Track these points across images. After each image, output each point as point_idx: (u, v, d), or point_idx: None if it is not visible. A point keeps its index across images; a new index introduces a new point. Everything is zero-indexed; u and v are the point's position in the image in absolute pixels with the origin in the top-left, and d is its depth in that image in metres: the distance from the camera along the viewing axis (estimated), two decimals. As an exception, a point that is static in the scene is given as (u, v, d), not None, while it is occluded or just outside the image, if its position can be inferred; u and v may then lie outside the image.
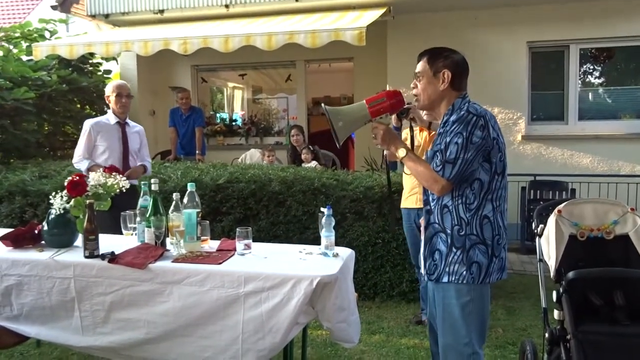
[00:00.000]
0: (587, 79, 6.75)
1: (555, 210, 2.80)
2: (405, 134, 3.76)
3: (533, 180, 5.96)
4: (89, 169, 3.85)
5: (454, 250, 2.21)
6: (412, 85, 2.33)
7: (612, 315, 2.58)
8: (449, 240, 2.22)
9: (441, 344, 2.31)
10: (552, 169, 6.28)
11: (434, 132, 3.63)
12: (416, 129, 3.71)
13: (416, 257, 3.83)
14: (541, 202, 5.19)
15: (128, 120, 4.23)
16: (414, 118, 3.59)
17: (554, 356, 2.69)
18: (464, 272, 2.20)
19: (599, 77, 6.77)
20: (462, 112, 2.16)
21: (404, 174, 3.78)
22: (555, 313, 2.65)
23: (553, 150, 6.50)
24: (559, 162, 6.46)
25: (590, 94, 6.73)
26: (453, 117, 2.19)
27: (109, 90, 4.12)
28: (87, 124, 4.09)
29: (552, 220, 2.80)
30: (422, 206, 3.68)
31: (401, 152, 2.25)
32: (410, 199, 3.79)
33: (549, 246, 2.79)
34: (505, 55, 6.49)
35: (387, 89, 2.26)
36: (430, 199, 2.31)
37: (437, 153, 2.19)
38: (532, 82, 6.64)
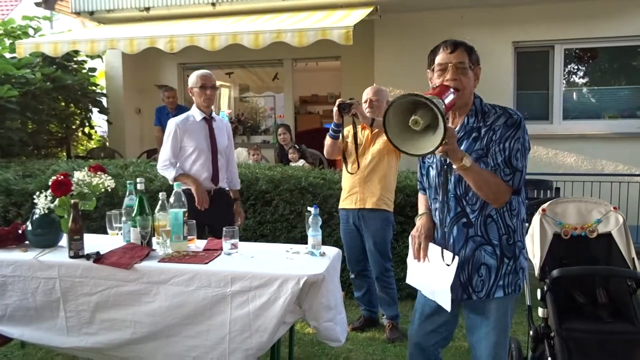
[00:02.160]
0: (572, 79, 6.82)
1: (540, 209, 2.83)
2: (347, 131, 3.67)
3: (518, 179, 6.01)
4: (176, 179, 3.45)
5: (506, 261, 2.08)
6: (451, 77, 2.02)
7: (595, 312, 2.62)
8: (499, 252, 2.08)
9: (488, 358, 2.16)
10: (537, 168, 6.33)
11: (376, 130, 3.54)
12: (358, 127, 3.63)
13: (353, 262, 3.81)
14: (526, 201, 5.23)
15: (214, 115, 3.78)
16: (357, 114, 3.48)
17: (538, 353, 2.72)
18: (518, 281, 2.12)
19: (583, 77, 6.85)
20: (516, 116, 2.02)
21: (345, 172, 3.70)
22: (540, 311, 2.68)
23: (538, 149, 6.56)
24: (543, 161, 6.52)
25: (574, 93, 6.81)
26: (502, 120, 2.02)
27: (192, 82, 3.64)
28: (172, 123, 3.63)
29: (536, 219, 2.83)
30: (362, 207, 3.64)
31: (467, 161, 1.90)
32: (348, 199, 3.69)
33: (533, 245, 2.82)
34: (490, 54, 6.51)
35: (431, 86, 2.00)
36: (470, 210, 2.08)
37: (500, 162, 2.00)
38: (517, 81, 6.70)
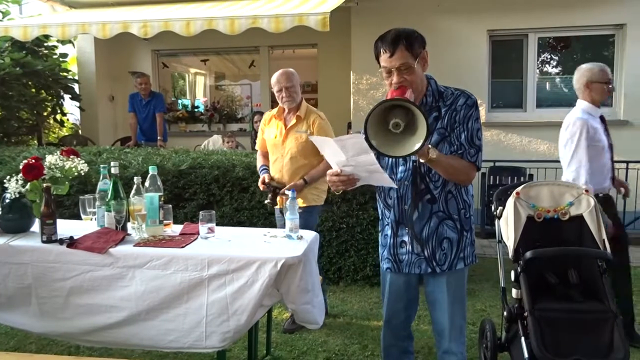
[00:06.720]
0: (545, 68, 6.92)
1: (514, 193, 2.87)
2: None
3: (493, 166, 6.10)
4: None
5: (465, 234, 2.22)
6: (397, 80, 2.03)
7: (567, 292, 2.68)
8: (459, 225, 2.20)
9: (449, 328, 2.26)
10: (511, 155, 6.43)
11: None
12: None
13: None
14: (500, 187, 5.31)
15: None
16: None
17: (511, 333, 2.78)
18: (474, 252, 2.29)
19: (556, 66, 6.96)
20: (473, 97, 2.13)
21: None
22: (513, 292, 2.73)
23: (512, 137, 6.65)
24: (517, 149, 6.62)
25: (547, 82, 6.91)
26: (462, 100, 2.11)
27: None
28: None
29: (510, 202, 2.87)
30: None
31: (434, 153, 1.95)
32: None
33: (507, 227, 2.86)
34: (466, 42, 6.58)
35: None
36: (433, 187, 2.14)
37: (464, 142, 2.09)
38: (492, 70, 6.77)
